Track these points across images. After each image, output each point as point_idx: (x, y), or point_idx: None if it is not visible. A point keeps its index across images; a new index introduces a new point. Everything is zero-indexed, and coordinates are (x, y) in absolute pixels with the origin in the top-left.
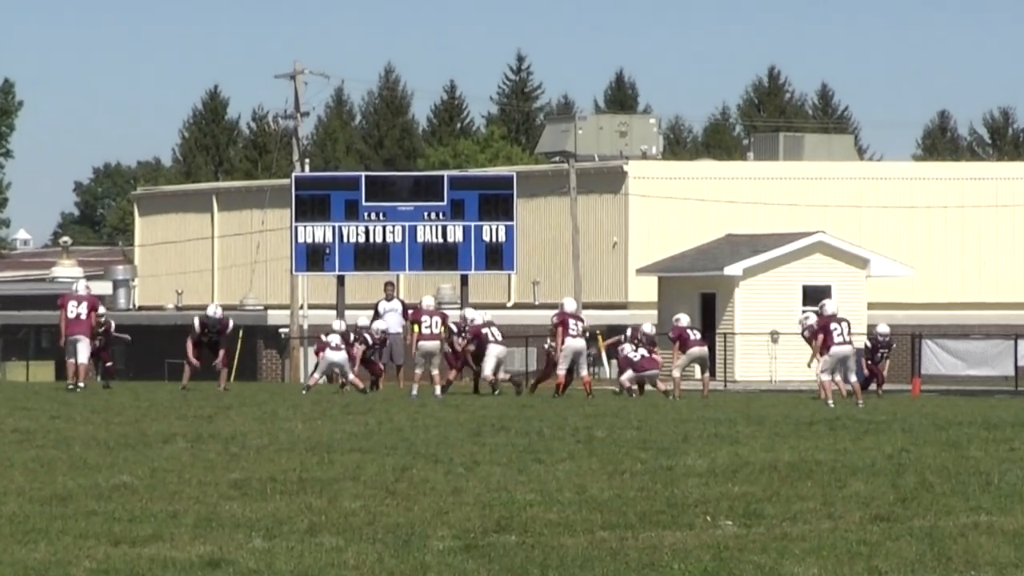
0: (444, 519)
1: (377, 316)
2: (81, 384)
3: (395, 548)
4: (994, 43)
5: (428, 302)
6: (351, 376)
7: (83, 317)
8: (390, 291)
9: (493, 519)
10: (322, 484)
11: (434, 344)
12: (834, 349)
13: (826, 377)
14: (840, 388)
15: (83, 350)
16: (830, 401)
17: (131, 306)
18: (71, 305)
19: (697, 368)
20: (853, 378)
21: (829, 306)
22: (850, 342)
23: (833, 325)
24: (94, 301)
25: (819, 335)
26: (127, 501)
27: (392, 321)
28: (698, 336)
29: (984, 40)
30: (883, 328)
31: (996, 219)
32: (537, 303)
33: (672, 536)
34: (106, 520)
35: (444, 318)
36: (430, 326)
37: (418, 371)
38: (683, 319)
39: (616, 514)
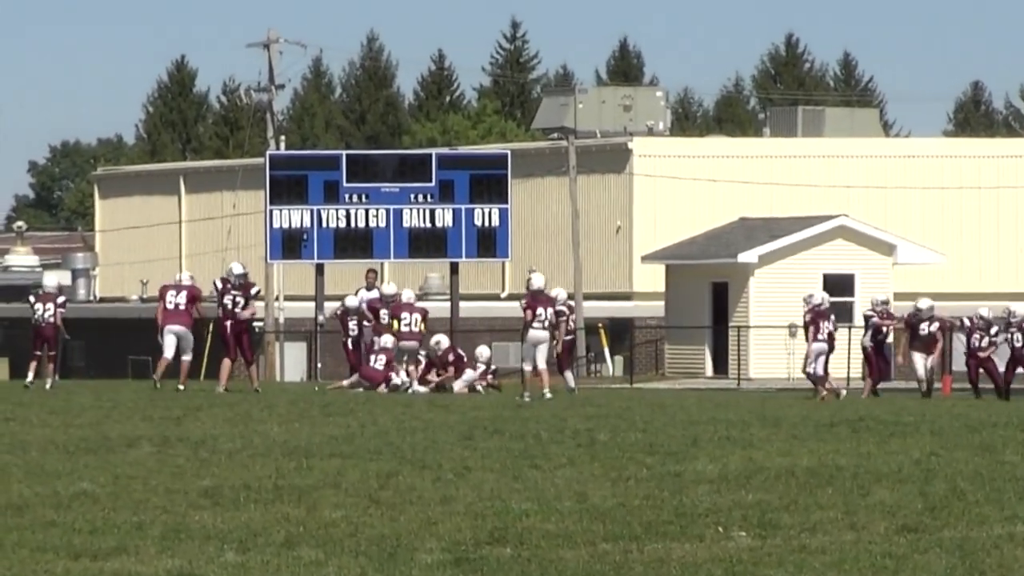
0: (432, 530)
1: None
2: (180, 386)
3: (379, 562)
4: None
5: (408, 295)
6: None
7: (181, 307)
8: (372, 279)
9: (486, 530)
10: (300, 492)
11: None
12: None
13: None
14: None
15: (173, 345)
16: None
17: (91, 297)
18: (169, 294)
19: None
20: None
21: (536, 280)
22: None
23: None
24: (194, 291)
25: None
26: (88, 511)
27: None
28: (551, 314)
29: (1022, 4)
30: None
31: None
32: None
33: (680, 548)
34: (65, 532)
35: (424, 314)
36: (409, 323)
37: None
38: (536, 280)
39: (620, 524)
